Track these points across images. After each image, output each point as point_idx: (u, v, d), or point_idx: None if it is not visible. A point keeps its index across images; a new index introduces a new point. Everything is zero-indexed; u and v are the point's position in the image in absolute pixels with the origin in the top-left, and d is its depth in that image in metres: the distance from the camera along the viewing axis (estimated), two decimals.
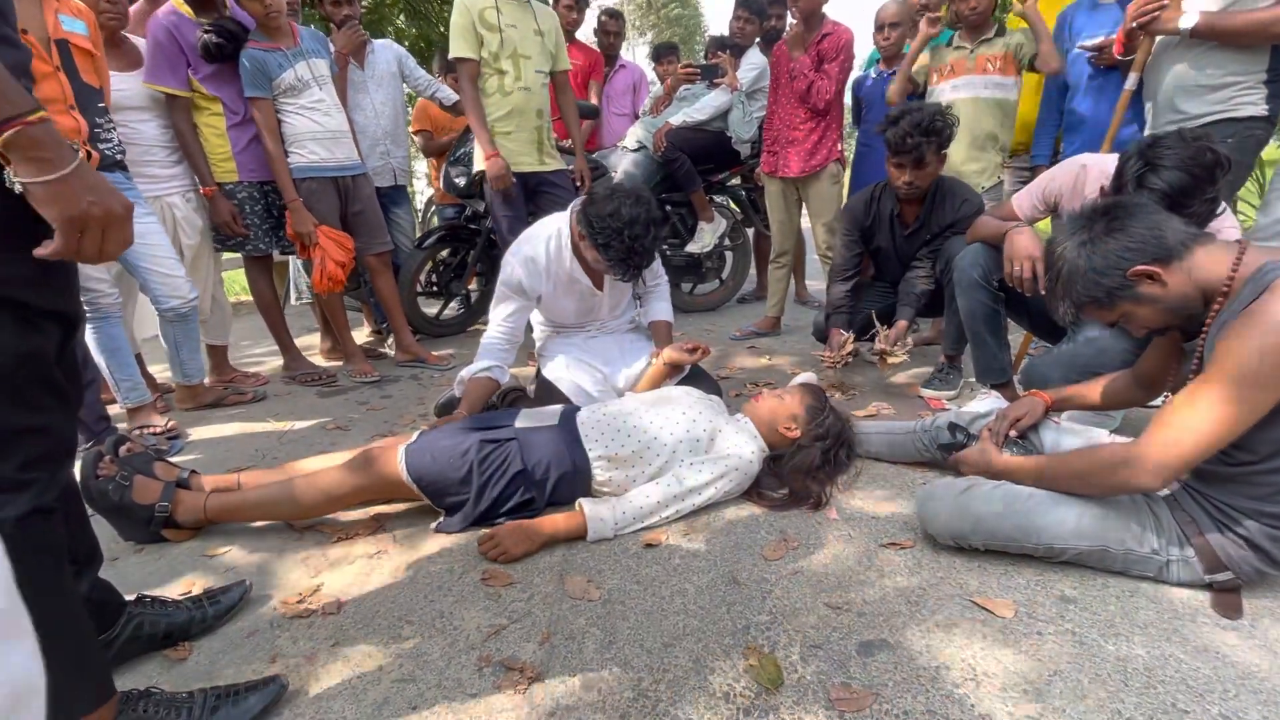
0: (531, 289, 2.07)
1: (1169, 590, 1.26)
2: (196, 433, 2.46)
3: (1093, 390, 1.60)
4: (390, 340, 3.57)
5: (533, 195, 2.99)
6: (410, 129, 4.25)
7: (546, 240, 2.06)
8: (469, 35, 2.66)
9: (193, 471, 1.69)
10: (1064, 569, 1.33)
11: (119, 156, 2.27)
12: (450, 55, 2.76)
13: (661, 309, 2.33)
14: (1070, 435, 1.58)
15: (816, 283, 4.16)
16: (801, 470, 1.67)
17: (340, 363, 3.30)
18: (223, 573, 1.48)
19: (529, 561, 1.46)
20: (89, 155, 2.00)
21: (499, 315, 2.11)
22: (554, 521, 1.53)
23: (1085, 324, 1.88)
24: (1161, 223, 1.19)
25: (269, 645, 1.24)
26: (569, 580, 1.38)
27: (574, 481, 1.64)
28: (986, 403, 1.91)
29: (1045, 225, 2.52)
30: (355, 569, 1.48)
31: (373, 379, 2.92)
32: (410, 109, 4.29)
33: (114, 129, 2.25)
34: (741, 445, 1.66)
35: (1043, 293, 1.80)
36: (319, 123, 2.70)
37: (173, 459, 1.92)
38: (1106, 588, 1.28)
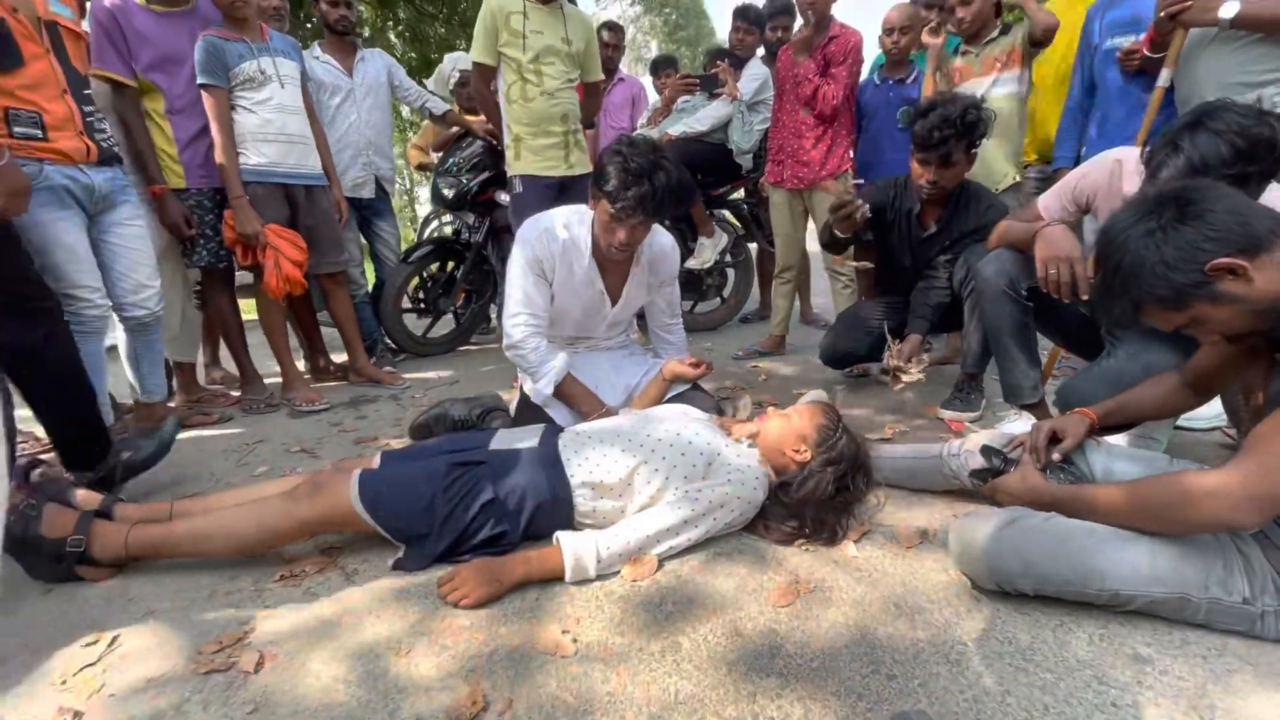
0: (549, 261, 1.91)
1: (1266, 647, 1.04)
2: None
3: (1139, 400, 1.41)
4: (383, 356, 3.42)
5: (560, 198, 2.86)
6: (425, 139, 4.48)
7: (566, 219, 1.94)
8: (489, 40, 2.60)
9: (118, 499, 1.48)
10: (1133, 620, 1.11)
11: (115, 148, 2.01)
12: (471, 58, 2.69)
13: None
14: (1124, 460, 1.37)
15: (822, 299, 3.98)
16: (813, 499, 1.45)
17: (341, 380, 3.15)
18: (141, 618, 1.27)
19: (495, 607, 1.24)
20: (87, 150, 1.83)
21: (520, 307, 1.92)
22: (527, 559, 1.31)
23: (1125, 338, 1.69)
24: (1246, 207, 1.00)
25: (173, 713, 1.02)
26: (540, 631, 1.16)
27: (553, 512, 1.43)
28: (1022, 425, 1.71)
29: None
30: (292, 614, 1.26)
31: (322, 407, 2.67)
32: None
33: (104, 118, 2.01)
34: (744, 470, 1.45)
35: (1083, 297, 1.61)
36: (271, 120, 2.53)
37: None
38: (1187, 644, 1.06)
